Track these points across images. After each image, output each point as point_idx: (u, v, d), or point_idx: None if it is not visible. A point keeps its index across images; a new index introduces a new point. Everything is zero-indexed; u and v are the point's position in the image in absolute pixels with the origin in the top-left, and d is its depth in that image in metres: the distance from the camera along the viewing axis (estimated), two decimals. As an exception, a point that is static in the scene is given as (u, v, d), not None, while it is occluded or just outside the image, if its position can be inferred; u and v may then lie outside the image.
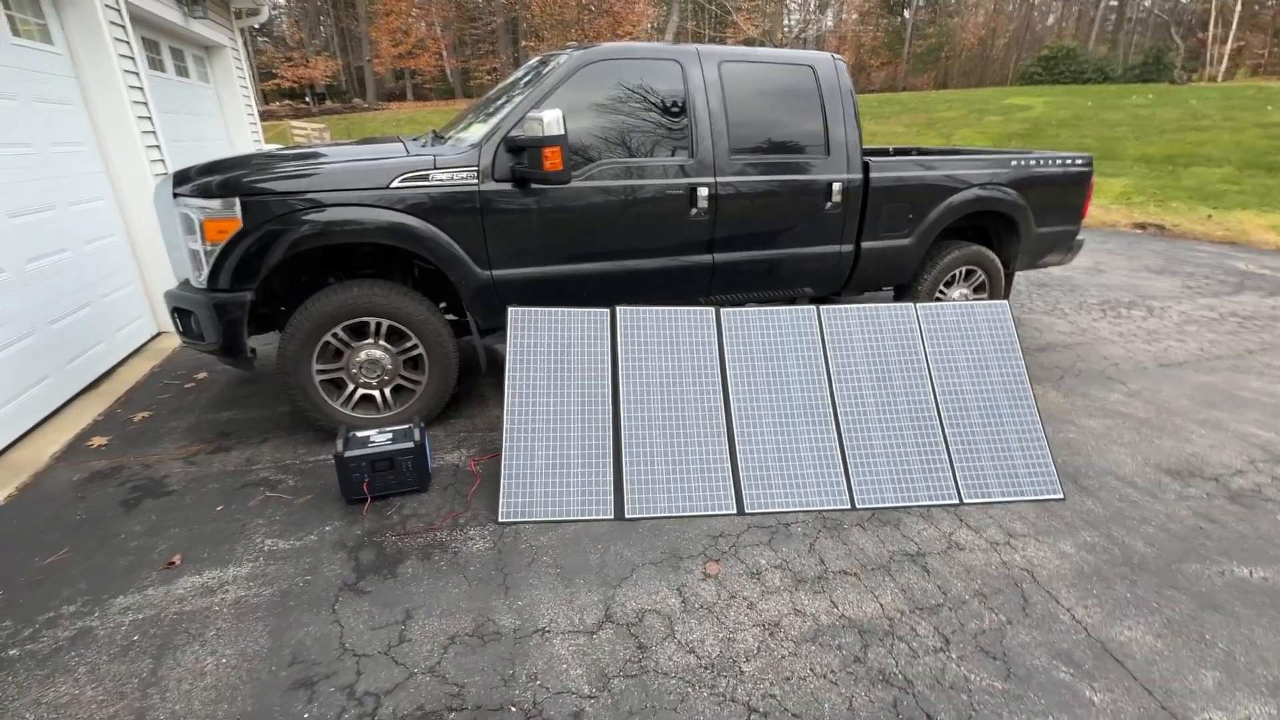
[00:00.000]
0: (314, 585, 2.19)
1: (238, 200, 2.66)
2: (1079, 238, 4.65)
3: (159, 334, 4.71)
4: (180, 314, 2.93)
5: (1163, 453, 3.10)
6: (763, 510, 2.61)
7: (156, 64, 5.48)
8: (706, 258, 3.49)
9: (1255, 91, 18.36)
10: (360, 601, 2.12)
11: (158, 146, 4.77)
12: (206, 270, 2.74)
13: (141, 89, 4.59)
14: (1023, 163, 4.19)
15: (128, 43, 4.45)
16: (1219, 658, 1.93)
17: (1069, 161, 4.36)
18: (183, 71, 6.08)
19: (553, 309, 2.91)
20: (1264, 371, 4.08)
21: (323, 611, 2.07)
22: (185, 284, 2.96)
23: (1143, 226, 9.19)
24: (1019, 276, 6.35)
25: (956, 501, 2.68)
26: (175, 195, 2.79)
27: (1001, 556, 2.37)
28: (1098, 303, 5.62)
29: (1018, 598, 2.17)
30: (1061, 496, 2.72)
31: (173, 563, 2.29)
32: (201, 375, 4.01)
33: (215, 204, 2.68)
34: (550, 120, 2.73)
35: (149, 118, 4.68)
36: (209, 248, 2.70)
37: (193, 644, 1.94)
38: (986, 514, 2.63)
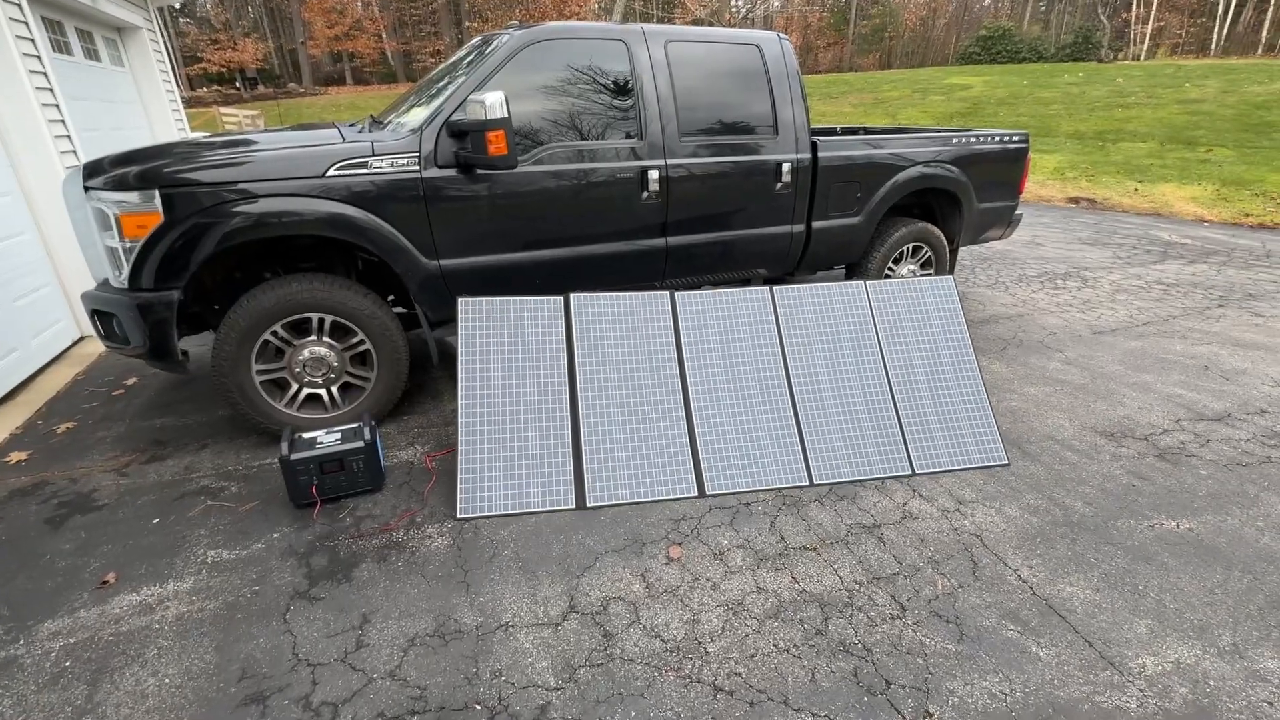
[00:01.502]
0: (263, 595, 2.09)
1: (157, 192, 2.49)
2: (1018, 212, 4.82)
3: (82, 338, 4.41)
4: (100, 316, 2.74)
5: (1098, 416, 3.27)
6: (723, 491, 2.63)
7: (62, 46, 5.06)
8: (660, 241, 3.46)
9: (1174, 70, 19.37)
10: (313, 609, 2.04)
11: (68, 136, 4.42)
12: (127, 269, 2.56)
13: (45, 74, 4.24)
14: (964, 141, 4.30)
15: (24, 22, 4.09)
16: (1151, 606, 2.05)
17: (1007, 139, 4.50)
18: (92, 54, 5.64)
19: (504, 298, 2.84)
20: (1186, 335, 4.34)
21: (273, 622, 1.99)
22: (104, 284, 2.76)
23: (1076, 200, 9.62)
24: (962, 251, 6.56)
25: (909, 472, 2.76)
26: (87, 188, 2.59)
27: (952, 523, 2.46)
28: (1036, 275, 5.86)
29: (968, 562, 2.25)
30: (1007, 462, 2.83)
31: (106, 581, 2.16)
32: (131, 381, 3.77)
33: (132, 197, 2.49)
34: (493, 103, 2.64)
35: (56, 105, 4.33)
36: (128, 244, 2.52)
37: (131, 665, 1.84)
38: (937, 483, 2.71)
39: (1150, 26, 32.99)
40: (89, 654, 1.87)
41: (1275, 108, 13.52)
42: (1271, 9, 30.49)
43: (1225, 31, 31.84)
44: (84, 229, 2.71)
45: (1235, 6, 31.52)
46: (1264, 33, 30.68)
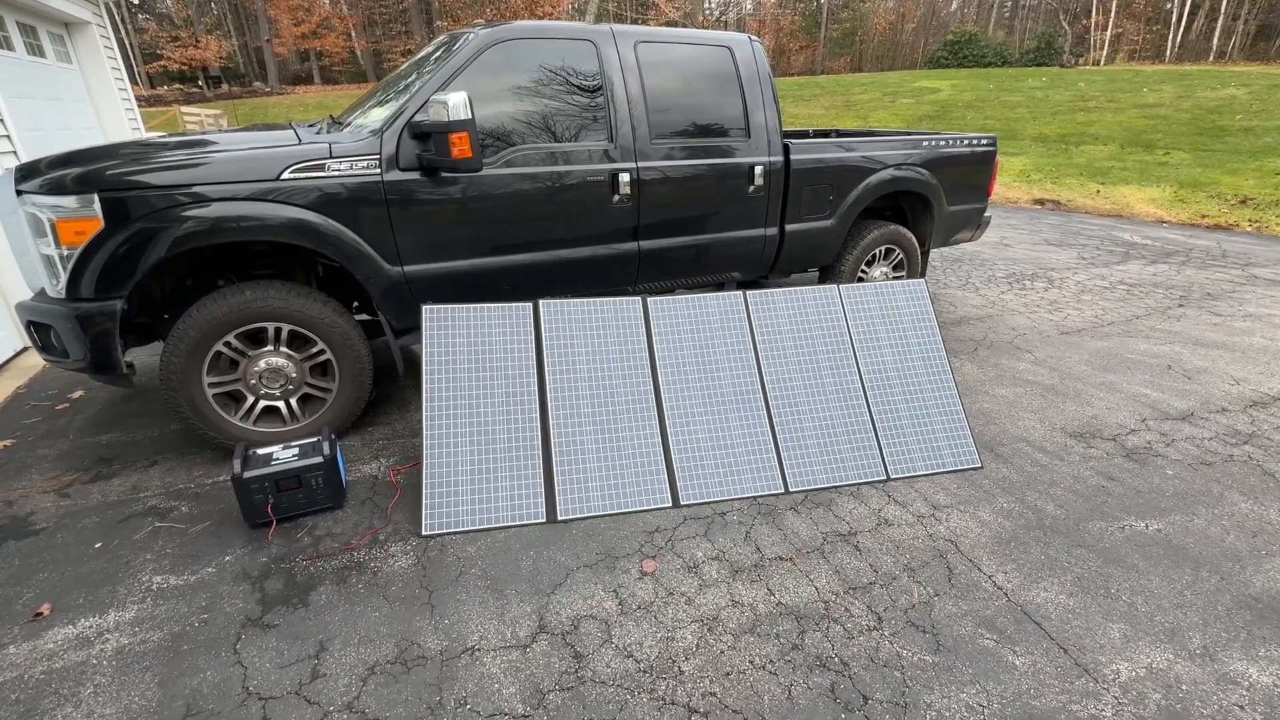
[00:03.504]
0: (212, 624, 1.97)
1: (96, 196, 2.34)
2: (986, 214, 4.87)
3: (23, 350, 4.18)
4: (37, 328, 2.57)
5: (1067, 416, 3.30)
6: (698, 501, 2.58)
7: (2, 41, 4.81)
8: (632, 245, 3.40)
9: (1132, 75, 19.99)
10: (266, 637, 1.93)
11: (8, 136, 4.20)
12: (64, 278, 2.41)
13: (-19, 70, 4.02)
14: (934, 143, 4.33)
15: (-42, 16, 3.87)
16: (1123, 610, 2.05)
17: (975, 142, 4.54)
18: (36, 50, 5.38)
19: (471, 305, 2.75)
20: (1149, 335, 4.42)
21: (222, 653, 1.87)
22: (41, 293, 2.60)
23: (1041, 202, 9.82)
24: (933, 253, 6.63)
25: (884, 478, 2.75)
26: (19, 193, 2.44)
27: (927, 529, 2.44)
28: (1005, 276, 5.94)
29: (943, 569, 2.23)
30: (980, 465, 2.83)
31: (40, 613, 2.02)
32: (77, 394, 3.58)
33: (69, 201, 2.35)
34: (456, 103, 2.55)
35: (-6, 103, 4.11)
36: (65, 252, 2.37)
37: (64, 706, 1.71)
38: (912, 487, 2.70)
39: (1109, 33, 34.06)
40: (17, 695, 1.74)
41: (1227, 112, 14.03)
42: (1221, 18, 31.71)
43: (1179, 38, 33.00)
44: (17, 235, 2.54)
45: (1188, 15, 32.70)
46: (1214, 40, 31.89)
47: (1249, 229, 7.86)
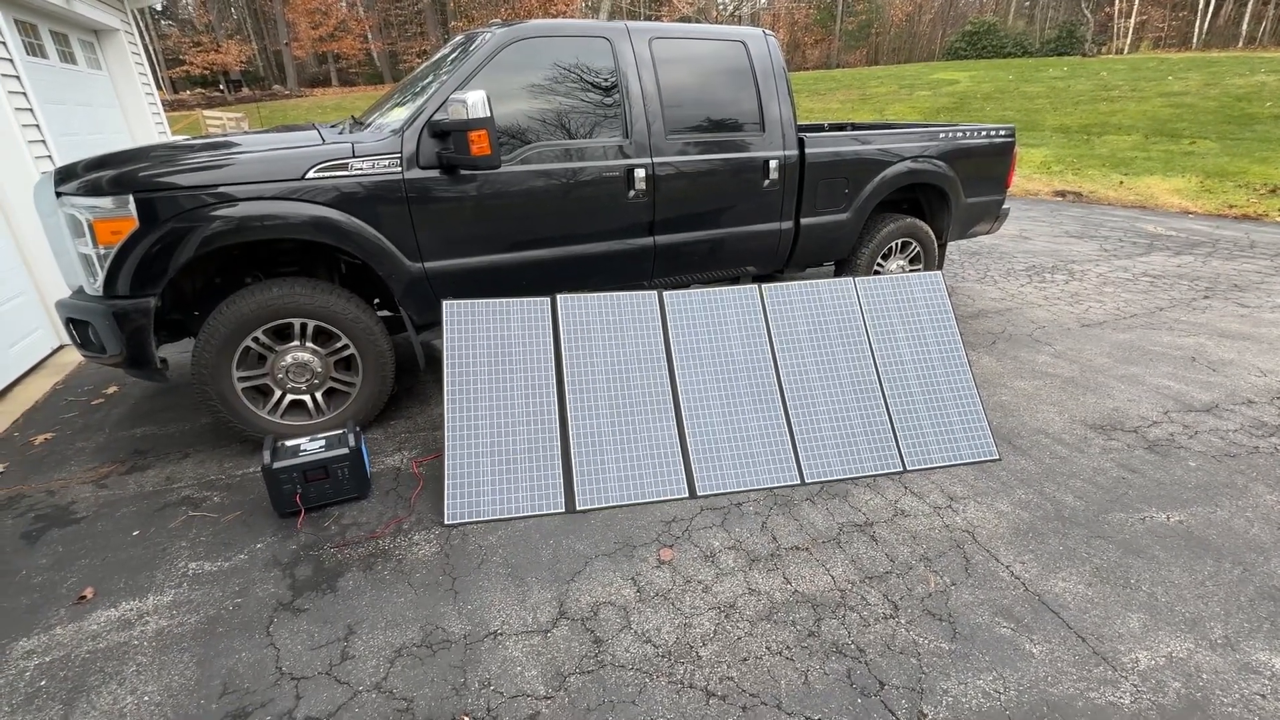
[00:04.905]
0: (245, 608, 2.05)
1: (131, 197, 2.43)
2: (1005, 206, 4.82)
3: (61, 347, 4.33)
4: (76, 325, 2.68)
5: (1087, 409, 3.27)
6: (714, 492, 2.60)
7: (36, 49, 4.96)
8: (648, 240, 3.43)
9: (1157, 63, 19.52)
10: (297, 621, 2.00)
11: (43, 141, 4.34)
12: (101, 276, 2.50)
13: (18, 77, 4.16)
14: (950, 135, 4.30)
15: (-4, 25, 4.01)
16: (1143, 600, 2.05)
17: (993, 133, 4.50)
18: (68, 58, 5.54)
19: (490, 300, 2.80)
20: (1173, 327, 4.36)
21: (256, 635, 1.94)
22: (79, 291, 2.70)
23: (1062, 194, 9.67)
24: (951, 246, 6.58)
25: (900, 469, 2.75)
26: (59, 194, 2.53)
27: (944, 520, 2.44)
28: (1024, 269, 5.87)
29: (960, 559, 2.24)
30: (997, 457, 2.83)
31: (84, 596, 2.11)
32: (111, 389, 3.70)
33: (106, 202, 2.44)
34: (474, 102, 2.60)
35: (30, 109, 4.25)
36: (102, 251, 2.46)
37: (109, 684, 1.79)
38: (929, 479, 2.70)
39: (1133, 20, 33.31)
40: (65, 673, 1.82)
41: (1256, 100, 13.66)
42: (1251, 3, 30.84)
43: (1206, 25, 32.17)
44: (56, 236, 2.64)
45: (1215, 0, 31.86)
46: (1244, 26, 31.04)
47: (1279, 219, 7.67)
